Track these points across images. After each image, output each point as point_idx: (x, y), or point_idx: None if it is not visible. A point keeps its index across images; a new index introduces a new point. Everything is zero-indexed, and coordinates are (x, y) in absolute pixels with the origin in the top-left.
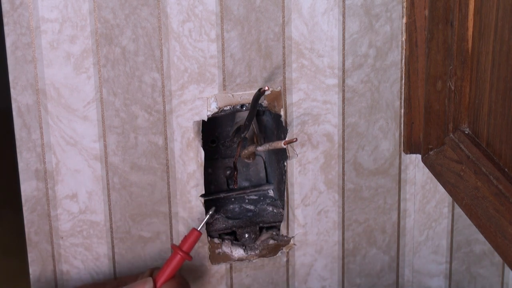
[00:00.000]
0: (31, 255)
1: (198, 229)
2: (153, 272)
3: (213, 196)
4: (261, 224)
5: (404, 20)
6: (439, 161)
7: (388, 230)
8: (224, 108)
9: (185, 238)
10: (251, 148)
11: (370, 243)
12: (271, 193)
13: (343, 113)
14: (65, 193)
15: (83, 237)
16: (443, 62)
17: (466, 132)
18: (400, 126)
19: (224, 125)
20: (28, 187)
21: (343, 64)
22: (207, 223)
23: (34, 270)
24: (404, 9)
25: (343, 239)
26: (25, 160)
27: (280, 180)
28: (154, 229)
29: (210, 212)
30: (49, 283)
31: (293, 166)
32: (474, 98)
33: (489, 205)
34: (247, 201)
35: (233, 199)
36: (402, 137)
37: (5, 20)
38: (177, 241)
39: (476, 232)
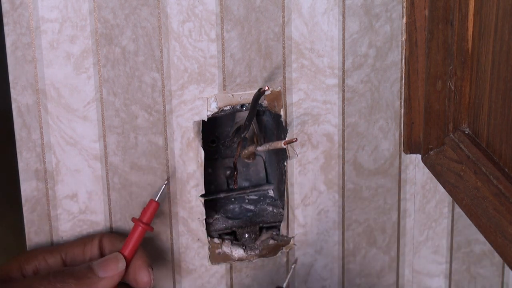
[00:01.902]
0: None
1: (156, 199)
2: (102, 238)
3: (213, 196)
4: (261, 224)
5: (404, 20)
6: (439, 161)
7: (388, 230)
8: (224, 108)
9: (144, 210)
10: (251, 148)
11: (370, 243)
12: (271, 193)
13: (343, 113)
14: (65, 193)
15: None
16: (443, 62)
17: (466, 132)
18: (400, 126)
19: (224, 125)
20: (28, 187)
21: (343, 64)
22: (207, 223)
23: None
24: (404, 9)
25: (343, 239)
26: (25, 160)
27: (280, 180)
28: (154, 229)
29: (166, 183)
30: None
31: (293, 166)
32: (474, 98)
33: (489, 205)
34: (247, 201)
35: (233, 199)
36: (402, 137)
37: (5, 20)
38: (177, 241)
39: (476, 232)
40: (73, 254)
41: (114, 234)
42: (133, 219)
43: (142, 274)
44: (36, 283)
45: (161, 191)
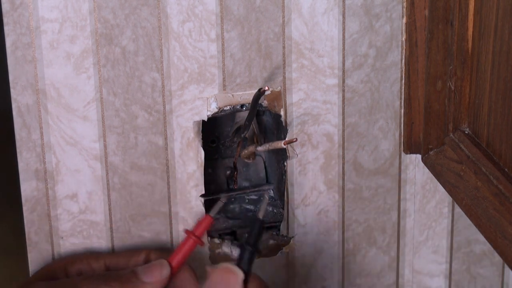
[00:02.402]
0: (31, 255)
1: (212, 215)
2: (149, 253)
3: (213, 196)
4: None
5: (404, 20)
6: (439, 161)
7: (388, 230)
8: (224, 108)
9: (198, 223)
10: (251, 148)
11: (370, 243)
12: (271, 193)
13: (343, 113)
14: (65, 193)
15: (83, 237)
16: (443, 62)
17: (466, 132)
18: (400, 126)
19: (224, 125)
20: (28, 187)
21: (343, 64)
22: None
23: (34, 270)
24: (404, 9)
25: (343, 239)
26: (25, 160)
27: (280, 180)
28: (154, 229)
29: (223, 201)
30: None
31: (293, 166)
32: (474, 98)
33: (489, 205)
34: (247, 201)
35: (233, 199)
36: (402, 137)
37: (5, 20)
38: (177, 241)
39: (476, 232)
40: (117, 263)
41: (162, 250)
42: (186, 231)
43: (188, 287)
44: (80, 282)
45: (217, 208)
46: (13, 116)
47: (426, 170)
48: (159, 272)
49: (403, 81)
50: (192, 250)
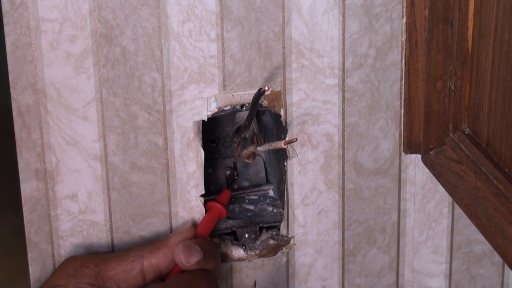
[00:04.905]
0: (31, 255)
1: (230, 189)
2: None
3: (213, 196)
4: (261, 224)
5: (404, 20)
6: (439, 161)
7: (388, 230)
8: (224, 108)
9: (219, 195)
10: (251, 148)
11: (370, 243)
12: (271, 193)
13: (343, 113)
14: (65, 193)
15: (83, 237)
16: (443, 62)
17: (466, 132)
18: (400, 126)
19: (224, 125)
20: (28, 187)
21: (343, 64)
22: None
23: (34, 270)
24: (404, 9)
25: (343, 239)
26: (25, 160)
27: (280, 180)
28: (154, 229)
29: (236, 177)
30: None
31: (293, 166)
32: (474, 98)
33: (489, 205)
34: (247, 201)
35: (233, 199)
36: (402, 137)
37: (5, 20)
38: None
39: (476, 232)
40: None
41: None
42: (208, 204)
43: (176, 250)
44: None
45: (235, 182)
46: (13, 116)
47: (426, 170)
48: (182, 228)
49: (403, 81)
50: (217, 216)
